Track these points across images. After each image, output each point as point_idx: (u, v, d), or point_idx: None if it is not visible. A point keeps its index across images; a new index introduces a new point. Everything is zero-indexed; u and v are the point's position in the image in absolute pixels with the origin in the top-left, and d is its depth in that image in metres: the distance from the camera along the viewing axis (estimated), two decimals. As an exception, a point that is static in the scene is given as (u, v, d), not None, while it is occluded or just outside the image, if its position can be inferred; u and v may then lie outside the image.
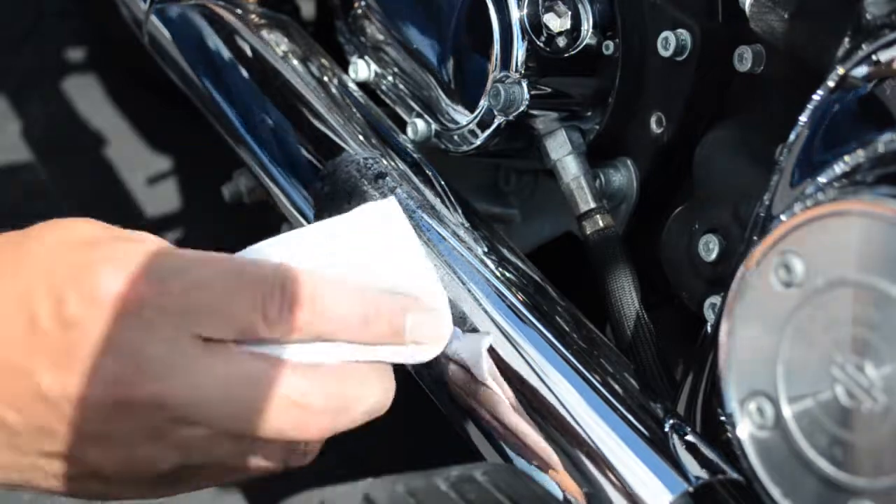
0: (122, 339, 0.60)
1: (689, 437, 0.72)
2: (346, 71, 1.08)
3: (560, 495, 0.72)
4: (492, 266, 0.82)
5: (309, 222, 0.92)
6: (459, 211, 0.88)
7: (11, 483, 0.65)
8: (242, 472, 0.68)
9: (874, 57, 0.68)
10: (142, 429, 0.62)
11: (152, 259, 0.62)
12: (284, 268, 0.65)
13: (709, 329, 0.79)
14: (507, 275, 0.82)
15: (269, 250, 0.70)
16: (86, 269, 0.62)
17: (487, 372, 0.75)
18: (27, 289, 0.62)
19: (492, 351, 0.76)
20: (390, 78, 1.05)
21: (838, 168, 0.67)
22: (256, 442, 0.65)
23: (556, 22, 0.89)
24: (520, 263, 0.85)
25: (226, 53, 1.05)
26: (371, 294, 0.68)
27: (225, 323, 0.62)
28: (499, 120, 0.92)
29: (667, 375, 0.84)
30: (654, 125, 0.91)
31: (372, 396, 0.68)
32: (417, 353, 0.72)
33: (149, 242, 0.65)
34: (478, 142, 0.94)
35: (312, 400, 0.64)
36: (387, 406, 0.69)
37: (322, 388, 0.64)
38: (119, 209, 1.75)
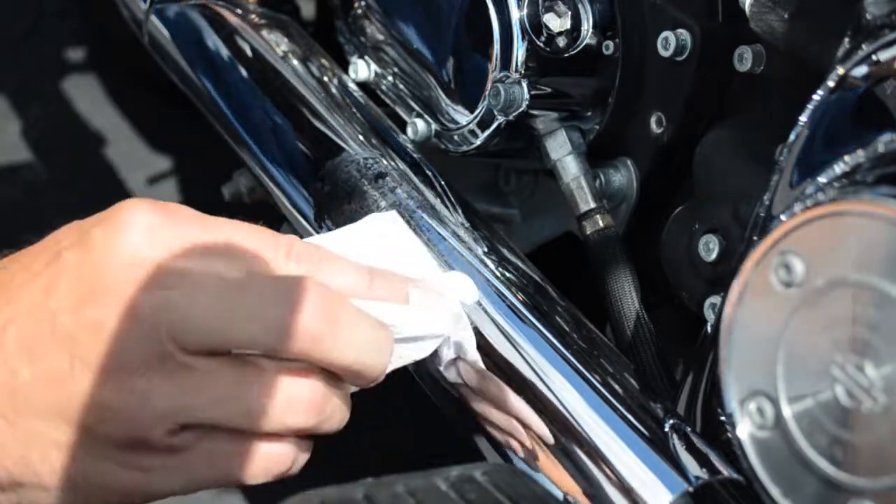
0: (138, 263, 0.65)
1: (690, 437, 0.72)
2: (346, 71, 1.08)
3: (560, 495, 0.72)
4: (492, 266, 0.82)
5: (309, 222, 0.92)
6: (459, 211, 0.88)
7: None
8: (238, 432, 0.67)
9: (874, 57, 0.68)
10: (144, 347, 0.64)
11: (174, 206, 0.69)
12: (294, 237, 0.70)
13: (709, 329, 0.79)
14: (507, 275, 0.82)
15: None
16: (112, 209, 0.68)
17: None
18: (56, 235, 0.69)
19: (491, 347, 0.76)
20: (390, 78, 1.05)
21: (838, 168, 0.67)
22: (252, 363, 0.66)
23: (556, 22, 0.89)
24: (520, 263, 0.85)
25: (226, 53, 1.05)
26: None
27: (234, 264, 0.67)
28: (499, 120, 0.92)
29: (667, 375, 0.84)
30: (654, 125, 0.91)
31: (365, 335, 0.67)
32: (424, 321, 0.71)
33: None
34: (478, 142, 0.94)
35: (303, 299, 0.65)
36: (378, 369, 0.68)
37: (313, 297, 0.66)
38: (119, 209, 1.75)
